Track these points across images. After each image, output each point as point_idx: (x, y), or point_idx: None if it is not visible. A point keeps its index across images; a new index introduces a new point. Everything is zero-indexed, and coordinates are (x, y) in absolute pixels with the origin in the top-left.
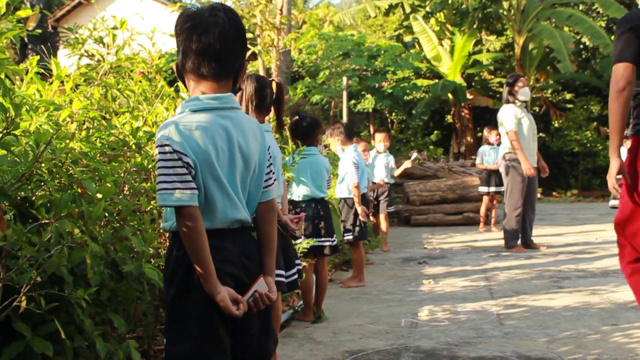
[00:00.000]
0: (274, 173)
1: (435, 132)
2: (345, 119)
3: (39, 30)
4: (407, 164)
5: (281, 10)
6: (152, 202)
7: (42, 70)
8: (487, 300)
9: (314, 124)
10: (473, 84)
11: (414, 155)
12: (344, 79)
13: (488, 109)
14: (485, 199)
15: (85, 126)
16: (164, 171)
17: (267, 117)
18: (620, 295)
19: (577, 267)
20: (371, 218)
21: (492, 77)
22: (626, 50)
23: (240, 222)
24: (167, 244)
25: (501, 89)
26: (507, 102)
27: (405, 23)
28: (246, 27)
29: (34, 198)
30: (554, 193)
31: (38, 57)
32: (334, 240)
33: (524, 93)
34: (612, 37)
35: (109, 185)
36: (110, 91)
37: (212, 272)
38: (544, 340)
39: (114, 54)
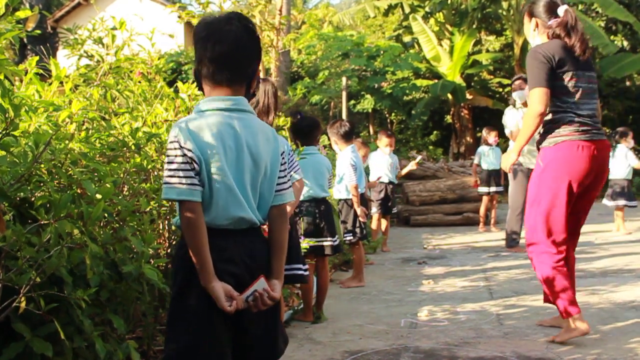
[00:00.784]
0: (289, 180)
1: (435, 132)
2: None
3: (38, 31)
4: (411, 166)
5: (280, 10)
6: (151, 203)
7: (41, 71)
8: (486, 301)
9: (314, 123)
10: (472, 84)
11: (419, 157)
12: (344, 79)
13: (487, 109)
14: (485, 199)
15: (84, 127)
16: (170, 166)
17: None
18: (620, 295)
19: (577, 267)
20: (381, 220)
21: (492, 77)
22: (541, 76)
23: (245, 221)
24: (167, 244)
25: (500, 89)
26: (511, 104)
27: (404, 23)
28: None
29: (33, 199)
30: None
31: (37, 57)
32: (336, 240)
33: (517, 95)
34: (612, 37)
35: (108, 185)
36: (109, 92)
37: (209, 266)
38: (543, 340)
39: (113, 55)
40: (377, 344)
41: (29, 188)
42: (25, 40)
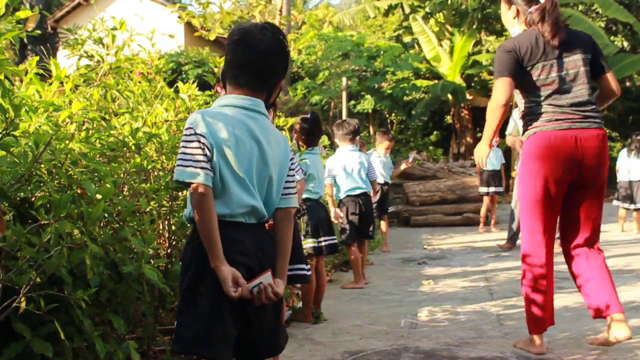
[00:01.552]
0: (295, 186)
1: (435, 132)
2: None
3: (39, 31)
4: (403, 166)
5: (280, 10)
6: (151, 203)
7: (41, 71)
8: (486, 301)
9: (319, 124)
10: (472, 84)
11: (412, 156)
12: (344, 79)
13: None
14: (485, 199)
15: (84, 127)
16: (183, 150)
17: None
18: (620, 296)
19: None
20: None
21: (492, 77)
22: (503, 66)
23: (256, 212)
24: (167, 244)
25: None
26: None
27: (404, 23)
28: None
29: (33, 199)
30: None
31: (37, 57)
32: (334, 239)
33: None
34: (612, 38)
35: (108, 186)
36: (109, 92)
37: (218, 248)
38: (543, 341)
39: (114, 55)
40: (377, 344)
41: (29, 188)
42: (25, 40)
